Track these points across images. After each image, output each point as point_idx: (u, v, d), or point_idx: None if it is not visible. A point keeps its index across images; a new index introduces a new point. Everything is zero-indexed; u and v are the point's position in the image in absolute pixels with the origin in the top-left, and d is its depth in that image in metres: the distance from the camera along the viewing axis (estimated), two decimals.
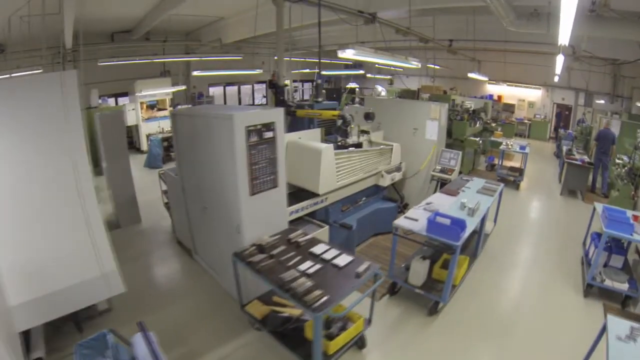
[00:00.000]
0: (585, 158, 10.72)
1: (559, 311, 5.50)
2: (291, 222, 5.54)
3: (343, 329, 4.11)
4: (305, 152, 5.80)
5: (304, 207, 5.87)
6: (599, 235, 6.33)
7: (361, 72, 17.60)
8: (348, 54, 5.56)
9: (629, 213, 5.95)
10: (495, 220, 7.38)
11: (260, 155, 4.60)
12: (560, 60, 9.35)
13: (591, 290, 5.85)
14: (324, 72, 17.62)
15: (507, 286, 6.14)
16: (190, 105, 17.04)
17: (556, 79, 14.69)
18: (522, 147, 11.44)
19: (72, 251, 4.18)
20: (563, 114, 18.65)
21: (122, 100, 16.11)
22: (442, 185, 7.63)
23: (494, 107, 18.75)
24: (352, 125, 6.69)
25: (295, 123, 7.00)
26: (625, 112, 14.94)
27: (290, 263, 4.09)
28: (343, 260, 4.12)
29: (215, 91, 19.52)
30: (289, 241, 4.57)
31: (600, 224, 5.87)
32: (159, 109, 15.95)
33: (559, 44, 6.49)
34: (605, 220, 5.66)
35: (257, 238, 4.59)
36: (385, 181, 7.18)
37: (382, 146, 7.29)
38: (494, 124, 14.54)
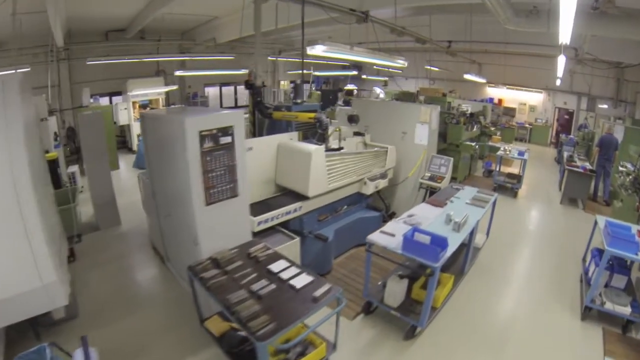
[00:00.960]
0: (587, 165, 10.02)
1: (553, 336, 4.89)
2: (262, 232, 5.14)
3: (302, 354, 3.60)
4: (295, 154, 5.41)
5: (275, 216, 5.30)
6: (600, 251, 5.70)
7: (354, 73, 16.95)
8: (317, 50, 4.95)
9: (634, 229, 5.30)
10: (487, 233, 6.72)
11: (216, 162, 4.17)
12: (561, 61, 8.69)
13: (590, 312, 5.23)
14: (316, 73, 17.02)
15: (496, 307, 5.49)
16: (183, 105, 16.60)
17: (558, 82, 14.03)
18: (521, 153, 10.70)
19: (8, 263, 3.64)
20: (562, 119, 17.86)
21: (116, 100, 15.56)
22: (431, 193, 6.97)
23: (494, 110, 18.09)
24: (337, 129, 6.19)
25: (273, 126, 6.55)
26: (629, 117, 14.24)
27: (244, 281, 3.63)
28: (301, 280, 3.61)
29: (212, 91, 18.90)
30: (249, 256, 4.11)
31: (602, 238, 5.27)
32: (152, 109, 15.38)
33: (560, 42, 5.93)
34: (608, 237, 5.00)
35: (215, 250, 4.17)
36: (369, 189, 6.56)
37: (376, 148, 6.77)
38: (493, 128, 13.87)
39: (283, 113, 6.05)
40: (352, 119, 6.83)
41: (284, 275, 3.69)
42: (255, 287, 3.50)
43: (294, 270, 3.78)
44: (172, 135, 4.25)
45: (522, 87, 18.73)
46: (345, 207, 6.67)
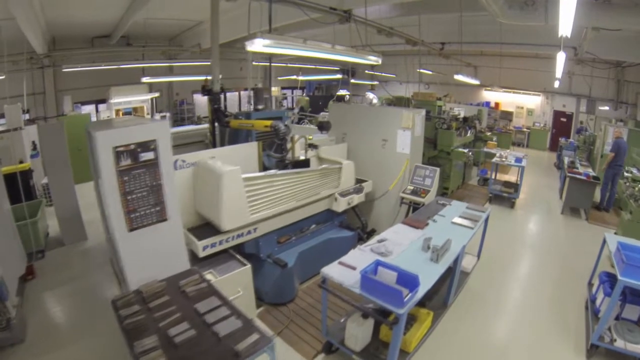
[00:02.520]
0: (590, 172, 8.96)
1: None
2: (214, 255, 4.49)
3: None
4: (208, 176, 4.39)
5: (223, 239, 4.44)
6: (609, 276, 4.73)
7: (339, 76, 15.98)
8: (257, 45, 3.99)
9: None
10: (478, 254, 5.72)
11: (137, 182, 3.56)
12: (561, 58, 7.68)
13: (597, 350, 4.25)
14: (300, 78, 16.08)
15: (485, 346, 4.45)
16: (166, 114, 15.76)
17: (556, 84, 12.99)
18: (518, 160, 9.66)
19: None
20: (559, 122, 16.79)
21: (102, 108, 14.78)
22: (415, 209, 5.96)
23: (491, 114, 17.06)
24: (297, 138, 5.33)
25: (236, 136, 5.76)
26: (631, 119, 13.21)
27: (163, 323, 3.02)
28: (228, 326, 2.93)
29: (204, 99, 17.96)
30: (179, 289, 3.47)
31: (612, 261, 4.35)
32: (137, 116, 14.55)
33: (560, 35, 5.05)
34: (621, 265, 4.01)
35: (144, 281, 3.55)
36: (340, 206, 5.58)
37: (324, 165, 5.59)
38: (489, 133, 12.81)
39: (239, 121, 5.32)
40: (322, 127, 5.90)
41: (210, 318, 3.03)
42: (173, 331, 2.89)
43: (223, 312, 3.11)
44: (92, 151, 3.69)
45: (520, 90, 17.69)
46: (314, 226, 5.73)
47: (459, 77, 10.93)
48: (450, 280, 4.47)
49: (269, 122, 4.86)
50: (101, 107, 14.97)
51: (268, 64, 18.02)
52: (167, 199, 3.76)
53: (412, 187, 6.08)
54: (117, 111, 14.11)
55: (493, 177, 9.99)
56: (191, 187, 4.61)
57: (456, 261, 4.24)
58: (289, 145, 5.02)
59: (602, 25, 6.84)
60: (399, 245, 4.22)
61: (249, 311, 4.48)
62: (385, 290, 3.11)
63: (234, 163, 4.66)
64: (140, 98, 14.33)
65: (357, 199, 5.80)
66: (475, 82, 13.50)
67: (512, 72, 16.71)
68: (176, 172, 4.33)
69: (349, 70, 14.67)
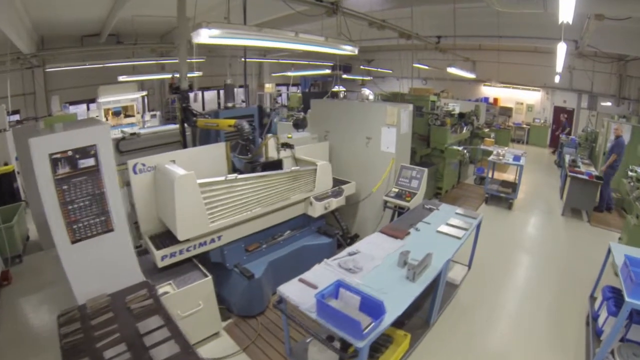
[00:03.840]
0: (593, 171, 8.31)
1: None
2: (174, 265, 4.07)
3: None
4: (163, 181, 3.96)
5: (184, 249, 3.97)
6: (613, 291, 4.16)
7: (327, 72, 15.36)
8: (203, 36, 3.41)
9: None
10: (469, 264, 5.11)
11: (77, 191, 3.25)
12: (561, 50, 7.01)
13: None
14: (289, 74, 15.44)
15: None
16: (157, 112, 15.19)
17: (557, 79, 12.34)
18: (517, 158, 8.98)
19: None
20: (559, 118, 16.07)
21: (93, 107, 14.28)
22: (400, 214, 5.35)
23: (490, 110, 16.36)
24: (268, 137, 4.86)
25: (208, 136, 5.22)
26: (635, 116, 12.52)
27: (100, 344, 2.74)
28: (166, 351, 2.61)
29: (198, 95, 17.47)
30: (125, 305, 3.18)
31: (618, 276, 3.72)
32: (127, 115, 14.03)
33: (560, 21, 4.41)
34: (629, 284, 3.41)
35: (91, 295, 3.29)
36: (316, 210, 4.99)
37: (295, 167, 4.94)
38: (486, 130, 12.15)
39: (205, 120, 4.79)
40: (297, 124, 5.32)
41: (149, 340, 2.73)
42: (109, 353, 2.63)
43: (164, 334, 2.81)
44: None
45: (519, 85, 16.96)
46: (288, 232, 5.15)
47: (452, 70, 10.27)
48: (432, 298, 3.86)
49: (232, 121, 4.33)
50: (93, 106, 14.49)
51: (260, 60, 17.63)
52: (112, 208, 3.40)
53: (396, 190, 5.47)
54: (107, 111, 13.53)
55: (490, 176, 9.36)
56: (153, 192, 4.19)
57: (439, 277, 3.64)
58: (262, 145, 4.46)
59: (607, 12, 6.19)
60: (373, 259, 3.63)
61: (213, 325, 4.12)
62: (343, 318, 2.52)
63: (200, 165, 4.32)
64: (130, 97, 13.74)
65: (335, 203, 5.21)
66: (471, 75, 12.84)
67: (511, 67, 16.01)
68: (136, 176, 4.01)
69: (337, 65, 13.89)
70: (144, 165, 4.07)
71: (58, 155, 3.06)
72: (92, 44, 12.83)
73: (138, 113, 14.32)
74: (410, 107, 5.82)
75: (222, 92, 17.64)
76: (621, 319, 3.38)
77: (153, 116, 14.45)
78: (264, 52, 16.86)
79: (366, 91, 15.98)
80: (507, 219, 8.04)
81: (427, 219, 4.58)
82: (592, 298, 4.77)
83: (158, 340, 2.73)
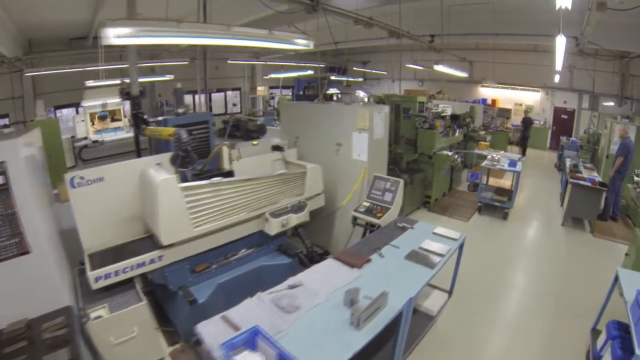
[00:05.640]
0: (596, 177, 7.42)
1: None
2: (119, 285, 3.57)
3: None
4: (147, 185, 3.70)
5: (120, 269, 3.45)
6: (619, 327, 3.37)
7: (310, 73, 14.55)
8: (110, 36, 2.72)
9: None
10: (450, 290, 4.25)
11: None
12: (560, 44, 6.18)
13: None
14: (273, 76, 14.67)
15: None
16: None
17: (557, 78, 11.47)
18: (513, 163, 8.07)
19: None
20: (559, 119, 15.19)
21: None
22: (371, 231, 4.52)
23: (488, 112, 15.47)
24: (218, 147, 4.28)
25: (167, 144, 4.54)
26: (638, 116, 11.63)
27: None
28: None
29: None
30: (40, 333, 2.77)
31: (627, 314, 3.00)
32: (113, 119, 13.30)
33: (558, 7, 3.77)
34: None
35: (13, 319, 2.86)
36: (272, 228, 4.20)
37: (280, 171, 4.39)
38: (482, 132, 11.26)
39: (152, 129, 4.31)
40: (249, 133, 4.58)
41: None
42: None
43: None
44: None
45: (518, 86, 16.06)
46: (244, 250, 4.41)
47: (439, 68, 9.47)
48: (393, 345, 3.02)
49: (171, 130, 3.78)
50: (81, 110, 13.85)
51: (253, 62, 16.88)
52: (26, 229, 2.98)
53: (367, 204, 4.64)
54: (92, 115, 12.81)
55: (485, 182, 8.50)
56: (102, 204, 3.73)
57: (400, 320, 2.82)
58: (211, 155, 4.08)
59: None
60: (316, 295, 2.85)
61: (155, 351, 3.67)
62: None
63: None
64: (115, 100, 13.02)
65: (295, 219, 4.40)
66: (463, 74, 12.00)
67: (509, 66, 15.15)
68: (75, 190, 3.57)
69: (318, 68, 13.04)
70: (82, 178, 3.61)
71: None
72: (81, 47, 12.33)
73: (125, 117, 13.66)
74: (386, 109, 5.01)
75: (214, 95, 17.05)
76: None
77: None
78: (257, 53, 16.15)
79: (361, 93, 15.20)
80: (501, 231, 7.15)
81: (397, 241, 3.74)
82: (595, 331, 3.95)
83: None
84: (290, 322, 2.56)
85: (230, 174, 4.38)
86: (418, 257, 3.42)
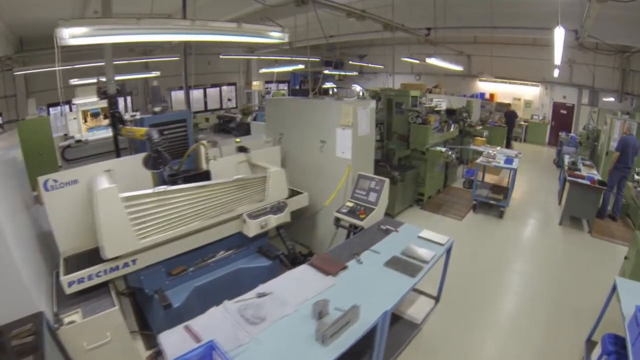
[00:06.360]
0: (595, 175, 7.10)
1: None
2: (94, 288, 3.35)
3: None
4: (92, 195, 3.43)
5: (93, 273, 3.25)
6: (616, 343, 3.07)
7: (300, 67, 14.19)
8: (65, 37, 2.48)
9: None
10: (438, 296, 3.96)
11: None
12: (559, 35, 5.84)
13: None
14: (263, 70, 14.31)
15: None
16: (136, 113, 14.20)
17: (556, 72, 11.14)
18: (509, 160, 7.74)
19: None
20: (559, 114, 14.84)
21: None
22: (355, 233, 4.22)
23: (485, 107, 15.09)
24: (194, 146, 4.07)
25: (142, 144, 4.30)
26: (638, 112, 11.29)
27: None
28: None
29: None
30: (9, 339, 2.57)
31: (624, 329, 2.70)
32: (106, 117, 12.98)
33: None
34: None
35: None
36: (250, 229, 3.91)
37: (236, 176, 3.93)
38: (479, 127, 10.90)
39: (127, 129, 4.12)
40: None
41: None
42: None
43: None
44: None
45: (516, 80, 15.68)
46: (222, 252, 4.13)
47: (431, 61, 9.16)
48: (370, 356, 2.73)
49: (143, 130, 3.59)
50: (74, 108, 13.55)
51: (245, 57, 16.52)
52: None
53: (351, 204, 4.33)
54: (85, 112, 12.50)
55: (481, 179, 8.18)
56: (77, 207, 3.52)
57: (374, 334, 2.54)
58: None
59: None
60: (284, 305, 2.59)
61: (130, 356, 3.44)
62: None
63: (117, 179, 3.66)
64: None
65: (275, 220, 4.11)
66: (457, 68, 11.64)
67: (508, 60, 14.75)
68: (48, 193, 3.39)
69: (308, 60, 12.62)
70: (56, 181, 3.42)
71: None
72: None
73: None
74: (372, 104, 4.69)
75: (208, 90, 16.68)
76: None
77: (134, 117, 13.44)
78: (251, 48, 15.79)
79: (357, 87, 14.83)
80: (496, 230, 6.83)
81: (378, 246, 3.44)
82: (590, 343, 3.67)
83: None
84: (253, 334, 2.32)
85: (206, 174, 4.11)
86: (399, 264, 3.13)
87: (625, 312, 2.81)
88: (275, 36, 3.66)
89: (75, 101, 11.77)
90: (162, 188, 3.42)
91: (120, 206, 3.11)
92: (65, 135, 11.56)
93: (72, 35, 2.63)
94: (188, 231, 3.59)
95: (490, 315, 4.43)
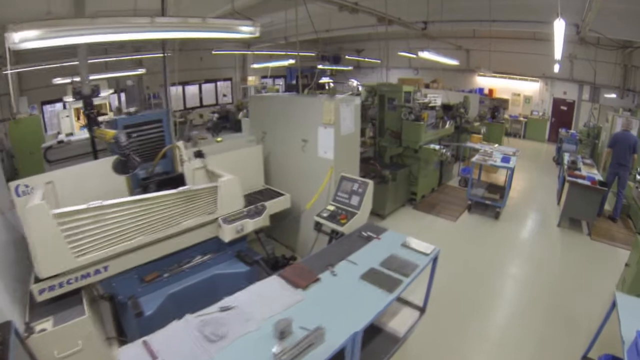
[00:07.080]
0: (596, 175, 6.76)
1: None
2: (65, 295, 3.14)
3: None
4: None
5: (63, 282, 3.08)
6: None
7: (291, 62, 13.81)
8: (15, 40, 2.30)
9: None
10: (423, 306, 3.64)
11: None
12: (559, 28, 5.50)
13: None
14: (255, 66, 13.95)
15: None
16: (131, 109, 13.88)
17: (556, 68, 10.78)
18: (506, 159, 7.38)
19: None
20: (559, 110, 14.46)
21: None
22: (336, 238, 3.91)
23: (484, 102, 14.70)
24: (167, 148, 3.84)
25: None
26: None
27: None
28: None
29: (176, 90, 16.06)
30: None
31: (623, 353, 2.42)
32: (99, 114, 12.66)
33: None
34: None
35: None
36: (226, 234, 3.62)
37: (181, 188, 3.54)
38: (477, 124, 10.55)
39: (100, 131, 3.82)
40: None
41: None
42: None
43: None
44: None
45: (516, 76, 15.28)
46: (199, 257, 3.85)
47: (425, 55, 8.82)
48: None
49: (112, 133, 3.36)
50: (68, 105, 13.27)
51: (237, 52, 16.17)
52: None
53: (332, 208, 4.02)
54: (78, 110, 12.22)
55: (477, 178, 7.85)
56: None
57: (342, 356, 2.24)
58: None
59: None
60: (248, 320, 2.34)
61: None
62: None
63: (91, 183, 3.61)
64: (104, 94, 12.41)
65: (252, 224, 3.80)
66: (453, 62, 11.26)
67: (507, 55, 14.42)
68: (20, 199, 3.31)
69: (297, 57, 12.22)
70: (27, 186, 3.35)
71: None
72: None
73: (111, 111, 13.08)
74: (356, 100, 4.36)
75: (203, 86, 16.33)
76: None
77: (127, 113, 13.13)
78: (246, 43, 15.42)
79: (353, 82, 14.47)
80: (491, 232, 6.50)
81: (356, 256, 3.13)
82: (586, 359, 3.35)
83: None
84: (211, 354, 2.09)
85: (180, 177, 3.82)
86: (376, 277, 2.82)
87: (625, 335, 2.51)
88: (246, 30, 3.33)
89: (67, 99, 11.51)
90: (97, 203, 3.12)
91: (52, 223, 2.86)
92: (58, 133, 11.32)
93: (23, 39, 2.42)
94: (132, 247, 3.30)
95: (480, 326, 4.11)
